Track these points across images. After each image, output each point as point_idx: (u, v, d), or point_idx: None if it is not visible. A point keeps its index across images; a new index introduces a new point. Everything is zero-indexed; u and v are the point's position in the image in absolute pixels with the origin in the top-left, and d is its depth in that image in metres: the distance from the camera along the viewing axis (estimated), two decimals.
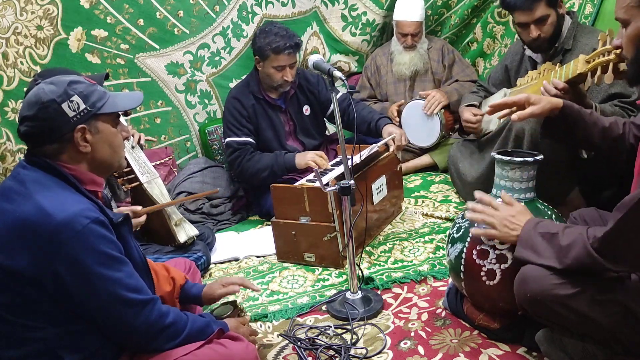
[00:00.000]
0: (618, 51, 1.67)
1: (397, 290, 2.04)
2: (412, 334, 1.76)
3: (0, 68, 2.49)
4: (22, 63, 2.56)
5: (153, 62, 3.01)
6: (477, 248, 1.59)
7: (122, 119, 1.85)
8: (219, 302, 1.75)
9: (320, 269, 2.26)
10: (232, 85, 3.23)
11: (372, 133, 2.78)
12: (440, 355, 1.64)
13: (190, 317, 1.39)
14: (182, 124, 3.19)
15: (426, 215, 2.64)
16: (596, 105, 2.02)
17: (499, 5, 3.31)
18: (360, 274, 2.07)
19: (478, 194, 1.61)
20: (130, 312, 1.26)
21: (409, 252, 2.30)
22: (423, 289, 2.02)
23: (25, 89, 2.19)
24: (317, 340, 1.76)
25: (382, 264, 2.24)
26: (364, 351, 1.69)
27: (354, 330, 1.79)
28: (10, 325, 1.22)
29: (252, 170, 2.71)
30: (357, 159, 2.24)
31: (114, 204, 2.16)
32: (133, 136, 2.29)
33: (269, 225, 2.53)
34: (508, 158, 1.59)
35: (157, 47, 2.99)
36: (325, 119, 3.02)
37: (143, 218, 1.98)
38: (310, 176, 2.42)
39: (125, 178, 2.14)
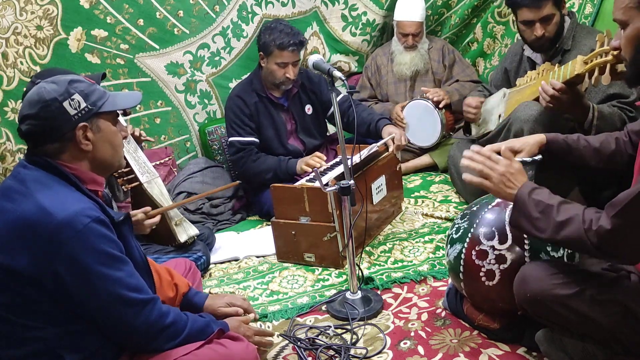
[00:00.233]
0: (616, 52, 1.67)
1: (397, 290, 2.04)
2: (412, 334, 1.76)
3: (0, 68, 2.49)
4: (21, 63, 2.56)
5: (153, 62, 3.01)
6: (476, 248, 1.59)
7: (121, 118, 1.86)
8: None
9: (320, 269, 2.26)
10: (232, 85, 3.23)
11: (372, 134, 2.78)
12: (440, 355, 1.64)
13: (190, 317, 1.39)
14: (182, 124, 3.19)
15: (426, 215, 2.65)
16: (594, 106, 2.02)
17: (500, 5, 3.33)
18: (360, 274, 2.07)
19: (476, 146, 1.54)
20: (131, 311, 1.26)
21: (409, 252, 2.30)
22: (423, 289, 2.02)
23: (24, 90, 2.19)
24: (317, 340, 1.76)
25: (382, 264, 2.24)
26: (363, 351, 1.69)
27: (354, 330, 1.79)
28: (11, 325, 1.22)
29: (255, 171, 2.73)
30: (356, 158, 2.24)
31: (115, 205, 2.16)
32: (132, 133, 2.28)
33: (269, 225, 2.53)
34: None
35: (157, 47, 2.99)
36: (325, 120, 3.02)
37: (157, 218, 1.98)
38: (310, 176, 2.42)
39: (125, 178, 2.14)
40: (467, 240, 1.62)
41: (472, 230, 1.62)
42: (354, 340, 1.75)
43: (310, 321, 1.90)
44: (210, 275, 2.33)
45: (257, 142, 2.77)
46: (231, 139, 2.79)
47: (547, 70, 2.15)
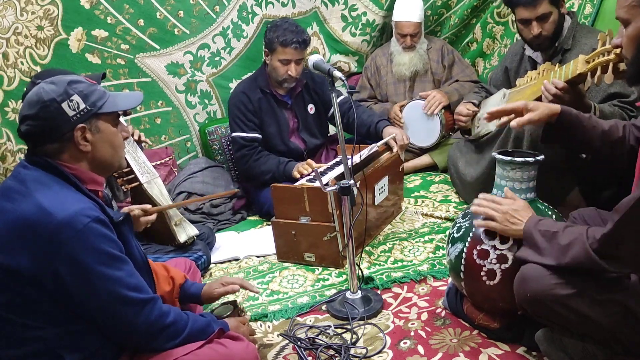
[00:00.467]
0: (618, 51, 1.67)
1: (397, 290, 2.04)
2: (412, 333, 1.76)
3: (1, 68, 2.49)
4: (22, 63, 2.57)
5: (153, 63, 3.01)
6: (478, 248, 1.59)
7: (122, 118, 1.85)
8: (219, 302, 1.75)
9: (320, 268, 2.26)
10: (232, 85, 3.24)
11: (372, 136, 2.79)
12: (440, 354, 1.64)
13: (190, 316, 1.39)
14: (182, 124, 3.20)
15: (426, 215, 2.65)
16: (595, 105, 2.02)
17: (499, 5, 3.33)
18: (360, 273, 2.08)
19: (482, 195, 1.63)
20: (131, 311, 1.26)
21: (409, 252, 2.31)
22: (423, 289, 2.02)
23: (24, 90, 2.20)
24: (317, 340, 1.76)
25: (382, 263, 2.24)
26: (363, 351, 1.69)
27: (354, 329, 1.79)
28: (11, 325, 1.22)
29: (257, 170, 2.75)
30: (356, 158, 2.25)
31: (115, 204, 2.16)
32: (132, 134, 2.29)
33: (269, 225, 2.53)
34: (509, 158, 1.59)
35: (158, 47, 3.00)
36: (327, 120, 3.03)
37: (154, 216, 1.98)
38: (311, 176, 2.42)
39: (124, 178, 2.14)
40: (469, 239, 1.62)
41: (473, 229, 1.62)
42: (354, 340, 1.75)
43: (310, 321, 1.90)
44: (210, 275, 2.33)
45: (260, 139, 2.78)
46: (234, 134, 2.80)
47: (548, 70, 2.15)
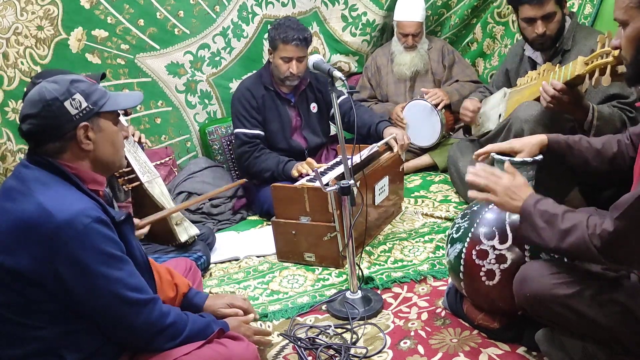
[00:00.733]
0: (616, 53, 1.67)
1: (397, 289, 2.04)
2: (412, 333, 1.76)
3: (1, 68, 2.49)
4: (22, 63, 2.57)
5: (153, 63, 3.01)
6: (477, 248, 1.59)
7: (122, 118, 1.86)
8: None
9: (320, 268, 2.26)
10: (232, 85, 3.24)
11: (373, 137, 2.79)
12: (440, 354, 1.64)
13: (190, 317, 1.39)
14: (182, 124, 3.20)
15: (426, 215, 2.65)
16: (594, 107, 2.02)
17: (499, 5, 3.33)
18: (360, 273, 2.08)
19: (479, 164, 1.57)
20: (131, 311, 1.26)
21: (409, 251, 2.31)
22: (423, 289, 2.02)
23: (24, 90, 2.20)
24: (317, 340, 1.76)
25: (382, 263, 2.24)
26: (364, 350, 1.69)
27: (354, 329, 1.79)
28: (12, 325, 1.23)
29: (257, 168, 2.76)
30: (357, 158, 2.25)
31: (116, 204, 2.17)
32: (133, 135, 2.29)
33: (269, 225, 2.53)
34: (507, 158, 1.59)
35: (158, 47, 3.00)
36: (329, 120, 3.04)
37: (145, 230, 1.97)
38: (311, 176, 2.42)
39: (125, 178, 2.14)
40: (468, 239, 1.62)
41: (472, 229, 1.62)
42: (354, 340, 1.75)
43: (310, 321, 1.90)
44: (210, 274, 2.33)
45: (262, 136, 2.79)
46: (236, 130, 2.82)
47: (548, 71, 2.15)
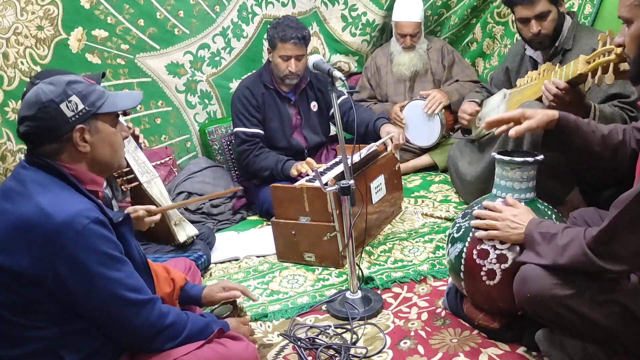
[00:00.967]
0: (618, 51, 1.67)
1: (396, 289, 2.04)
2: (412, 333, 1.76)
3: (1, 68, 2.49)
4: (22, 63, 2.57)
5: (153, 63, 3.01)
6: (478, 248, 1.59)
7: (122, 118, 1.86)
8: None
9: (320, 268, 2.26)
10: (232, 85, 3.24)
11: (370, 134, 2.80)
12: (440, 354, 1.64)
13: (190, 317, 1.39)
14: (182, 124, 3.20)
15: (426, 215, 2.65)
16: (595, 106, 2.02)
17: (499, 5, 3.33)
18: (360, 273, 2.08)
19: (484, 203, 1.63)
20: (130, 312, 1.26)
21: (409, 251, 2.31)
22: (423, 289, 2.02)
23: (24, 90, 2.20)
24: (317, 340, 1.76)
25: (382, 263, 2.24)
26: (363, 351, 1.69)
27: (354, 329, 1.79)
28: (11, 325, 1.22)
29: (256, 166, 2.77)
30: (356, 158, 2.25)
31: (115, 204, 2.16)
32: (133, 133, 2.29)
33: (269, 225, 2.53)
34: (508, 158, 1.59)
35: (158, 47, 3.00)
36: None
37: (158, 216, 1.97)
38: (310, 176, 2.42)
39: (124, 178, 2.14)
40: (469, 239, 1.62)
41: (473, 229, 1.62)
42: (354, 340, 1.75)
43: (310, 321, 1.90)
44: (210, 275, 2.33)
45: (262, 135, 2.79)
46: (236, 129, 2.83)
47: (549, 71, 2.15)
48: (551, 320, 1.44)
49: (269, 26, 2.78)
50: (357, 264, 2.02)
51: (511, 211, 1.52)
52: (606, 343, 1.41)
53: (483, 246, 1.58)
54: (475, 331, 1.72)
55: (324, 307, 1.96)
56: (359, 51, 3.60)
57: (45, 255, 1.18)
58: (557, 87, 1.93)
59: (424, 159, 3.21)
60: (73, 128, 1.27)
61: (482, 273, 1.58)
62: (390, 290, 2.04)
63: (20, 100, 2.48)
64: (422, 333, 1.75)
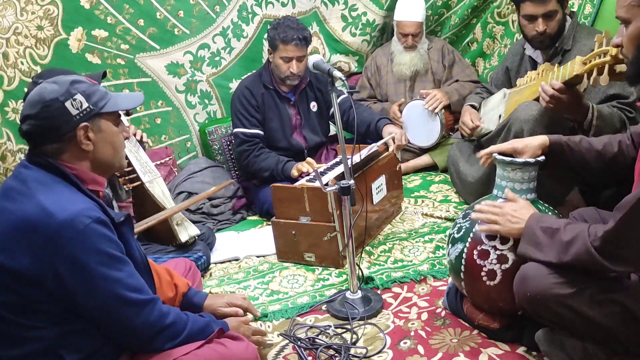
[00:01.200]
0: (614, 52, 1.67)
1: (397, 289, 2.04)
2: (412, 333, 1.76)
3: (1, 68, 2.49)
4: (22, 63, 2.57)
5: (153, 63, 3.01)
6: (478, 248, 1.59)
7: (124, 118, 1.86)
8: None
9: (320, 268, 2.26)
10: (232, 85, 3.24)
11: (372, 134, 2.79)
12: (440, 354, 1.64)
13: (190, 317, 1.39)
14: (182, 124, 3.20)
15: (426, 215, 2.65)
16: (594, 106, 2.02)
17: (499, 5, 3.33)
18: (360, 273, 2.08)
19: (484, 201, 1.63)
20: (131, 311, 1.26)
21: (409, 251, 2.31)
22: (423, 289, 2.02)
23: (25, 90, 2.20)
24: (317, 340, 1.76)
25: (382, 263, 2.24)
26: (363, 351, 1.69)
27: (354, 329, 1.79)
28: (11, 325, 1.23)
29: (256, 167, 2.76)
30: (356, 158, 2.25)
31: (116, 204, 2.17)
32: (135, 135, 2.29)
33: (269, 225, 2.53)
34: (510, 159, 1.59)
35: (158, 47, 3.00)
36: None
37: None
38: (311, 176, 2.42)
39: (126, 178, 2.14)
40: (469, 239, 1.62)
41: (474, 229, 1.62)
42: (354, 340, 1.75)
43: (310, 321, 1.90)
44: (210, 275, 2.33)
45: (262, 135, 2.79)
46: (236, 129, 2.82)
47: (547, 71, 2.15)
48: (551, 319, 1.44)
49: (269, 27, 2.78)
50: (357, 264, 2.02)
51: (511, 206, 1.52)
52: (606, 343, 1.41)
53: (483, 246, 1.58)
54: (475, 331, 1.72)
55: (324, 307, 1.96)
56: (359, 51, 3.60)
57: (46, 255, 1.18)
58: (553, 88, 1.93)
59: (424, 159, 3.21)
60: (76, 127, 1.27)
61: (483, 273, 1.58)
62: (390, 290, 2.04)
63: (20, 100, 2.49)
64: (422, 333, 1.75)
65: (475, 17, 3.51)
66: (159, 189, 2.24)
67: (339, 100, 2.48)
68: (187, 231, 2.28)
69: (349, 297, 1.92)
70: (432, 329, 1.77)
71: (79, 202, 1.24)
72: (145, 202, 2.20)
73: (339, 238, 2.18)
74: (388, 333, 1.77)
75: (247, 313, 1.72)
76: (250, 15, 3.25)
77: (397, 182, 2.64)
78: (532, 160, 1.57)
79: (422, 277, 2.09)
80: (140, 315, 1.27)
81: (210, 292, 2.01)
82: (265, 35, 2.96)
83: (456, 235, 1.68)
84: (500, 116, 2.40)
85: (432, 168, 3.20)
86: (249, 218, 2.93)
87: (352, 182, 1.82)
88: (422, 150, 3.22)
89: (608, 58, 1.72)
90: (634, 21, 1.25)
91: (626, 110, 2.10)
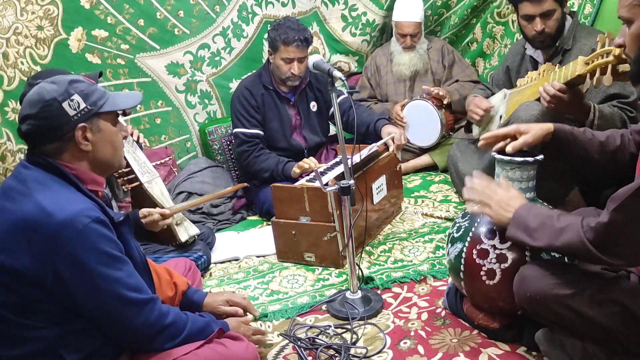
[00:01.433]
0: (617, 52, 1.67)
1: (396, 289, 2.04)
2: (412, 333, 1.76)
3: (1, 68, 2.49)
4: (22, 63, 2.57)
5: (153, 62, 3.01)
6: (477, 247, 1.59)
7: (121, 118, 1.87)
8: None
9: (320, 268, 2.26)
10: (232, 85, 3.24)
11: (371, 134, 2.79)
12: (440, 354, 1.64)
13: (190, 317, 1.39)
14: (182, 124, 3.20)
15: (426, 215, 2.65)
16: (594, 106, 2.02)
17: (499, 5, 3.33)
18: (360, 273, 2.08)
19: (478, 172, 1.60)
20: (131, 311, 1.26)
21: (409, 251, 2.31)
22: (423, 289, 2.02)
23: (23, 91, 2.19)
24: (317, 340, 1.76)
25: (382, 263, 2.24)
26: (363, 351, 1.69)
27: (354, 329, 1.79)
28: (11, 325, 1.23)
29: (256, 167, 2.76)
30: (356, 158, 2.25)
31: (115, 204, 2.17)
32: (132, 135, 2.29)
33: (269, 225, 2.53)
34: (508, 158, 1.59)
35: (158, 47, 3.00)
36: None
37: (171, 219, 2.12)
38: (311, 176, 2.42)
39: (125, 178, 2.14)
40: (468, 239, 1.62)
41: (473, 229, 1.62)
42: (354, 340, 1.75)
43: (310, 321, 1.90)
44: (210, 274, 2.33)
45: (262, 135, 2.79)
46: (236, 130, 2.82)
47: (548, 71, 2.15)
48: (551, 319, 1.44)
49: (269, 28, 2.77)
50: (357, 264, 2.02)
51: (506, 194, 1.50)
52: (606, 343, 1.41)
53: (483, 246, 1.58)
54: (475, 331, 1.72)
55: (324, 307, 1.96)
56: (359, 51, 3.60)
57: (46, 255, 1.18)
58: (554, 88, 1.93)
59: (424, 159, 3.21)
60: (75, 127, 1.27)
61: (482, 273, 1.58)
62: (390, 290, 2.04)
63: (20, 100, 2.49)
64: (422, 333, 1.75)
65: (475, 17, 3.51)
66: (157, 189, 2.24)
67: (338, 101, 2.48)
68: (187, 231, 2.28)
69: (349, 297, 1.92)
70: (432, 329, 1.77)
71: (79, 202, 1.24)
72: (144, 203, 2.20)
73: (339, 238, 2.18)
74: (388, 333, 1.77)
75: (247, 313, 1.72)
76: (250, 15, 3.25)
77: (397, 182, 2.64)
78: (530, 159, 1.57)
79: (422, 277, 2.09)
80: (140, 314, 1.27)
81: (210, 292, 2.01)
82: (266, 36, 2.96)
83: (455, 235, 1.68)
84: (501, 117, 2.40)
85: (432, 168, 3.20)
86: (249, 218, 2.93)
87: (352, 182, 1.82)
88: (422, 150, 3.22)
89: (611, 58, 1.72)
90: (637, 20, 1.25)
91: (627, 110, 2.10)
